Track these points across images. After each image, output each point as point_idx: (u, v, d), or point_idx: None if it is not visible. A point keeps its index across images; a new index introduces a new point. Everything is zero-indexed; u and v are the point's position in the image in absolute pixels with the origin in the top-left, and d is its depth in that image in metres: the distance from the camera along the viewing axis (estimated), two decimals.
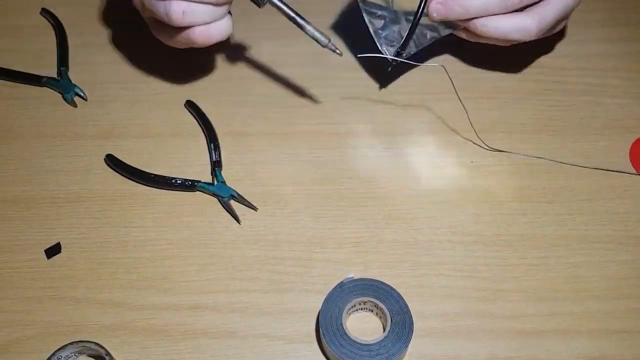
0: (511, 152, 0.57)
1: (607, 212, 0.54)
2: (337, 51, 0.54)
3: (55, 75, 0.63)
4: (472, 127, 0.57)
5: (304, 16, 0.53)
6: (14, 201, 0.55)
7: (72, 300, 0.50)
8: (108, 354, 0.45)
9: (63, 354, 0.46)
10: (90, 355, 0.48)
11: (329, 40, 0.54)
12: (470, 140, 0.59)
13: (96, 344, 0.46)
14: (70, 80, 0.62)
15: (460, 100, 0.57)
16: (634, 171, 0.57)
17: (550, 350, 0.47)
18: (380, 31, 0.57)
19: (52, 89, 0.62)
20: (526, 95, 0.62)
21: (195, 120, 0.60)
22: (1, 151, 0.58)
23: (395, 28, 0.58)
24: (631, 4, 0.70)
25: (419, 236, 0.53)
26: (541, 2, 0.55)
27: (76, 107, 0.61)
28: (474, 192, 0.55)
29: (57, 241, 0.53)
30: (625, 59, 0.65)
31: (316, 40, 0.53)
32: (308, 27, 0.53)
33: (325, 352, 0.47)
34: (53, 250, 0.52)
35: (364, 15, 0.57)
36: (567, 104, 0.61)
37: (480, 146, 0.58)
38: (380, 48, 0.57)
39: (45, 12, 0.68)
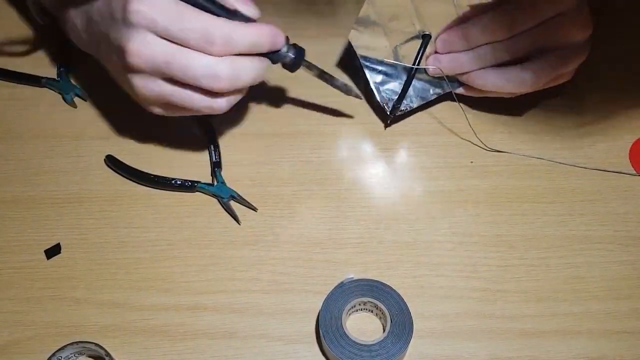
0: (511, 153, 0.57)
1: (608, 212, 0.54)
2: (360, 97, 0.58)
3: (55, 76, 0.63)
4: (472, 128, 0.57)
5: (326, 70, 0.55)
6: (13, 202, 0.55)
7: (72, 300, 0.50)
8: (108, 354, 0.45)
9: (63, 354, 0.46)
10: (89, 356, 0.48)
11: (351, 90, 0.57)
12: (470, 141, 0.59)
13: (96, 344, 0.46)
14: (70, 81, 0.62)
15: (459, 104, 0.57)
16: (634, 172, 0.57)
17: (550, 350, 0.47)
18: (380, 86, 0.58)
19: (52, 89, 0.62)
20: (526, 95, 0.62)
21: (195, 121, 0.60)
22: (1, 152, 0.58)
23: (397, 83, 0.58)
24: (631, 4, 0.70)
25: (419, 237, 0.53)
26: (539, 55, 0.54)
27: (76, 107, 0.61)
28: (474, 192, 0.55)
29: (57, 242, 0.53)
30: (624, 60, 0.65)
31: (342, 90, 0.56)
32: (337, 81, 0.56)
33: (325, 352, 0.47)
34: (53, 251, 0.52)
35: (365, 70, 0.57)
36: (566, 105, 0.61)
37: (480, 147, 0.58)
38: (380, 103, 0.58)
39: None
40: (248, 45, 0.46)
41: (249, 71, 0.47)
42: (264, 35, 0.47)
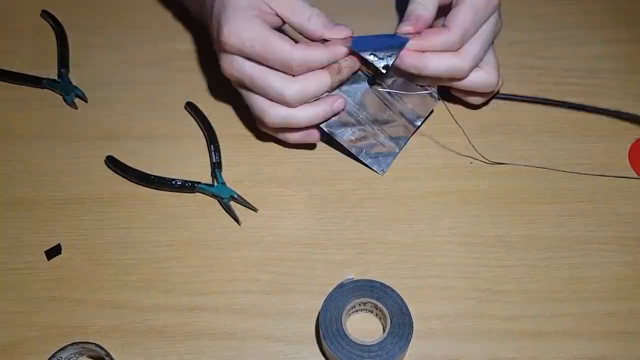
0: (513, 164, 0.56)
1: (608, 213, 0.54)
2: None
3: (55, 77, 0.63)
4: (470, 142, 0.57)
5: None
6: (14, 203, 0.55)
7: (73, 301, 0.50)
8: (108, 355, 0.45)
9: (63, 355, 0.46)
10: (90, 357, 0.48)
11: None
12: (470, 142, 0.59)
13: (96, 345, 0.46)
14: (71, 82, 0.62)
15: (461, 128, 0.56)
16: (634, 172, 0.57)
17: (550, 351, 0.47)
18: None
19: (53, 90, 0.62)
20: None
21: (195, 122, 0.60)
22: (2, 152, 0.58)
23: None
24: (630, 6, 0.70)
25: (419, 237, 0.53)
26: (470, 40, 0.53)
27: (77, 108, 0.61)
28: (474, 193, 0.55)
29: (58, 242, 0.53)
30: (624, 60, 0.65)
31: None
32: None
33: (325, 353, 0.47)
34: (53, 252, 0.52)
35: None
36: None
37: (482, 161, 0.57)
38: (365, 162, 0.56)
39: (46, 14, 0.68)
40: (320, 65, 0.51)
41: (314, 91, 0.52)
42: (336, 55, 0.52)
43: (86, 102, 0.62)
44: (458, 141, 0.59)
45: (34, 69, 0.63)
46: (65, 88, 0.62)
